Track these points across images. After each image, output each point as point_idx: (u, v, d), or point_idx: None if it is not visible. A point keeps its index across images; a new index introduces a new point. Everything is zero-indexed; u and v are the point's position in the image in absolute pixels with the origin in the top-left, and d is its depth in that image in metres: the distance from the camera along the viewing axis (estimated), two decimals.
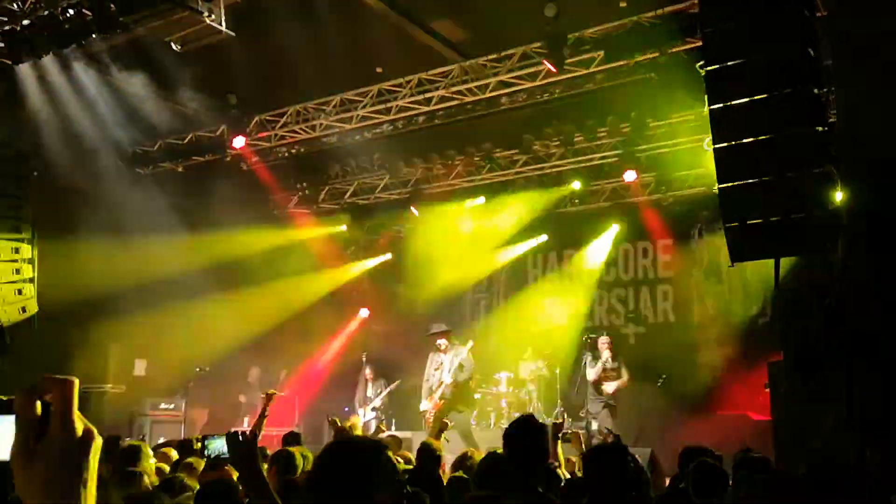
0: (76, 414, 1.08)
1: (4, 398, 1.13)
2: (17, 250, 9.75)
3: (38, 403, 1.06)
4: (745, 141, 5.82)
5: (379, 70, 11.23)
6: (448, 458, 8.06)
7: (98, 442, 1.10)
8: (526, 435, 3.73)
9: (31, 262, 9.78)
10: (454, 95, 10.83)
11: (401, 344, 14.05)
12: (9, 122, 9.98)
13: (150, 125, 11.51)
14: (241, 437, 2.69)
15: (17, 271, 9.71)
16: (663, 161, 12.27)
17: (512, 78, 10.40)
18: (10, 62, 9.29)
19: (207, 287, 12.34)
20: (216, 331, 12.56)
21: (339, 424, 6.55)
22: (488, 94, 10.67)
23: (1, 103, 10.00)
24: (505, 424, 11.60)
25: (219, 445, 3.42)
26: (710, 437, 8.92)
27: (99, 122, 10.86)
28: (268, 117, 12.12)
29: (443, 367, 9.83)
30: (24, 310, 9.70)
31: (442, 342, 9.91)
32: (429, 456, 5.20)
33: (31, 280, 9.73)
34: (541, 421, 4.13)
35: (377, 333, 14.92)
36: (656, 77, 9.71)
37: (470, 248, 15.01)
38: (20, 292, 9.58)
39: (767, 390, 7.34)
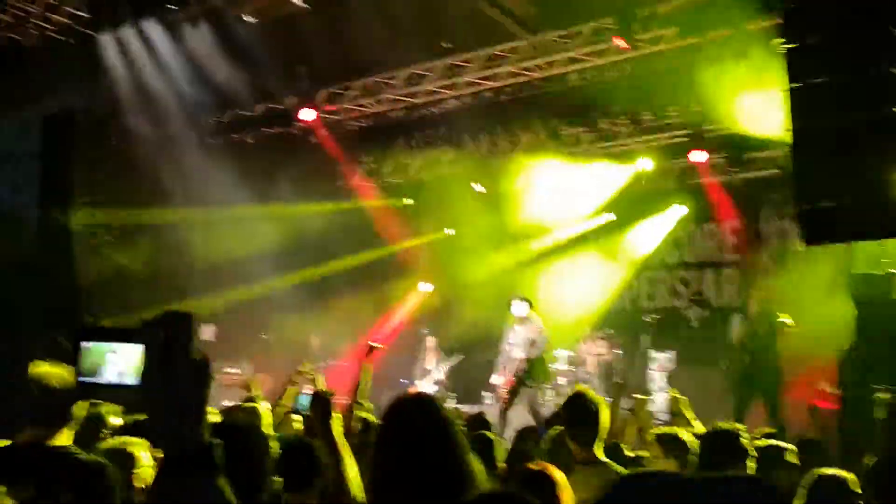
0: (194, 344, 1.18)
1: (132, 328, 1.23)
2: (93, 214, 10.11)
3: (163, 334, 1.16)
4: (821, 122, 5.69)
5: (446, 45, 11.23)
6: (509, 435, 8.15)
7: (212, 370, 1.20)
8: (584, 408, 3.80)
9: (106, 227, 10.13)
10: (522, 72, 10.79)
11: (463, 318, 14.14)
12: (90, 90, 10.29)
13: (223, 96, 11.73)
14: (324, 396, 2.85)
15: (94, 234, 10.08)
16: (733, 142, 12.03)
17: (581, 54, 10.30)
18: (91, 32, 9.57)
19: (272, 255, 12.62)
20: (280, 298, 12.85)
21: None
22: (556, 71, 10.60)
23: (83, 71, 10.31)
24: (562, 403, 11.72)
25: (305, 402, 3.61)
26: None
27: (173, 91, 11.11)
28: (336, 90, 12.25)
29: (517, 340, 9.81)
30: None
31: (517, 312, 9.85)
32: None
33: (110, 244, 10.09)
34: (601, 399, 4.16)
35: (439, 308, 15.03)
36: (730, 55, 9.50)
37: (534, 225, 14.97)
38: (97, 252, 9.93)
39: (834, 378, 7.22)
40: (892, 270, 6.66)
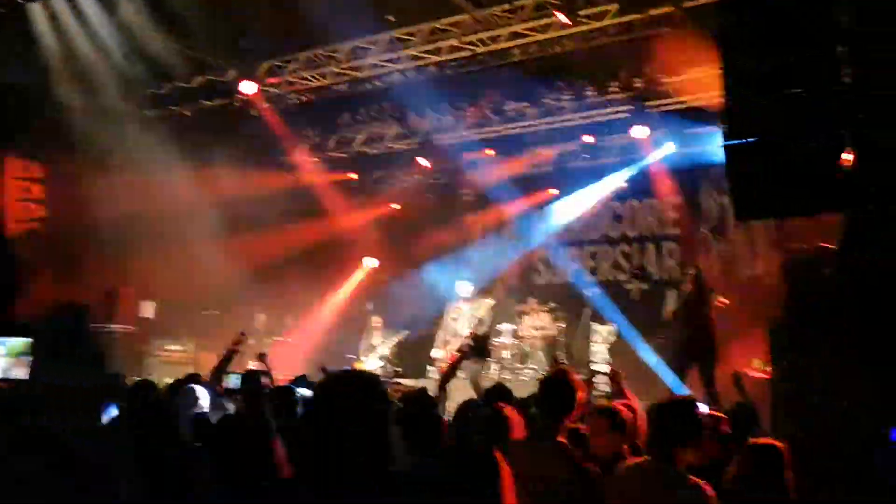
0: (88, 337, 1.15)
1: (21, 322, 1.20)
2: (27, 168, 9.84)
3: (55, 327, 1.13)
4: (755, 99, 5.78)
5: (390, 18, 11.11)
6: (451, 408, 8.21)
7: (106, 362, 1.18)
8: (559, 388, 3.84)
9: (42, 181, 9.88)
10: (466, 46, 10.74)
11: (408, 294, 14.16)
12: (21, 61, 9.97)
13: (160, 68, 11.46)
14: (256, 375, 2.83)
15: (27, 190, 9.83)
16: (674, 118, 12.21)
17: (524, 29, 10.30)
18: (21, 1, 9.24)
19: (215, 232, 12.45)
20: (223, 275, 12.69)
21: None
22: (500, 45, 10.59)
23: (13, 43, 9.97)
24: (508, 376, 11.84)
25: (235, 380, 3.57)
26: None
27: (108, 63, 10.82)
28: (278, 63, 12.05)
29: (460, 318, 9.83)
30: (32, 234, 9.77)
31: (463, 293, 9.88)
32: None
33: (42, 202, 9.85)
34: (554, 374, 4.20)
35: (384, 283, 15.03)
36: (670, 32, 9.60)
37: (478, 200, 15.04)
38: (29, 212, 9.69)
39: (767, 348, 7.40)
40: (823, 245, 6.83)
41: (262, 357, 7.38)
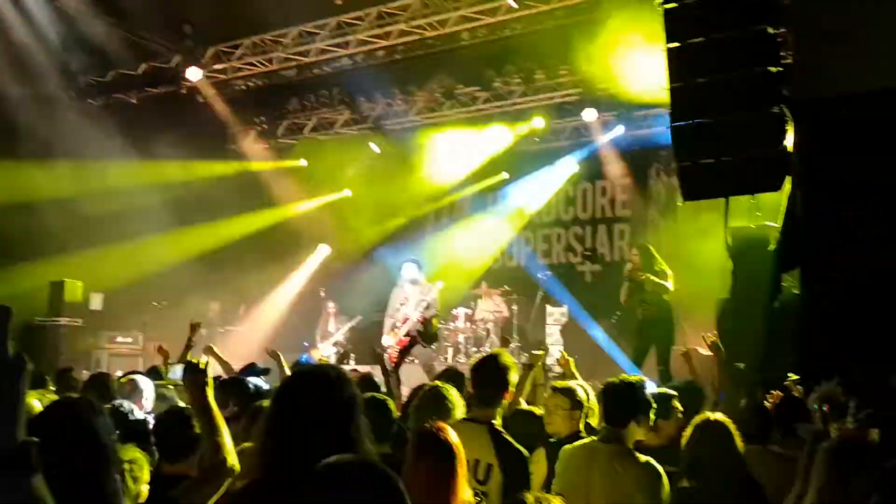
0: (6, 340, 1.11)
1: None
2: None
3: None
4: (698, 80, 5.87)
5: (338, 2, 11.00)
6: (405, 392, 8.22)
7: (26, 367, 1.14)
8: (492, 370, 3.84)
9: None
10: (414, 30, 10.70)
11: (361, 279, 14.12)
12: None
13: (102, 55, 11.20)
14: (196, 366, 2.77)
15: None
16: (623, 100, 12.32)
17: (472, 13, 10.28)
18: None
19: (163, 220, 12.25)
20: (174, 265, 12.52)
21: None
22: (449, 29, 10.56)
23: None
24: (462, 360, 11.89)
25: (179, 372, 3.51)
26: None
27: (47, 51, 10.55)
28: (223, 49, 11.87)
29: (408, 302, 9.77)
30: None
31: (410, 276, 9.82)
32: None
33: None
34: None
35: (337, 269, 14.95)
36: (617, 14, 9.67)
37: (430, 185, 15.01)
38: None
39: (715, 327, 7.55)
40: (767, 223, 6.98)
41: (208, 350, 7.30)
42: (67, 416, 2.15)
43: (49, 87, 11.03)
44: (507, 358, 3.92)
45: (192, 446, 2.92)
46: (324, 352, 12.78)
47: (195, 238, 13.03)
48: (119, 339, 12.21)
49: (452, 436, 3.02)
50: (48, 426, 2.05)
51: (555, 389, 4.55)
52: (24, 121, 10.69)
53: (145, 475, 2.85)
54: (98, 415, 2.21)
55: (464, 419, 3.67)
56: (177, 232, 12.72)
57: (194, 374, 2.76)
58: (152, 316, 12.88)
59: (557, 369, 11.24)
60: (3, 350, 1.12)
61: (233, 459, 2.64)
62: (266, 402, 3.82)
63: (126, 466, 2.68)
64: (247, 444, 2.85)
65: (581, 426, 4.36)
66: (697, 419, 3.77)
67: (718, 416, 3.74)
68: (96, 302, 12.31)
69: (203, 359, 2.87)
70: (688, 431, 3.69)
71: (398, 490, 1.59)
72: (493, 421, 3.72)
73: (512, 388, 3.84)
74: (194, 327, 6.74)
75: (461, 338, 12.71)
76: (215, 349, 7.13)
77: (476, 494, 3.14)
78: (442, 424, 3.11)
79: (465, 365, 10.02)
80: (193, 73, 11.61)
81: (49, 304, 11.59)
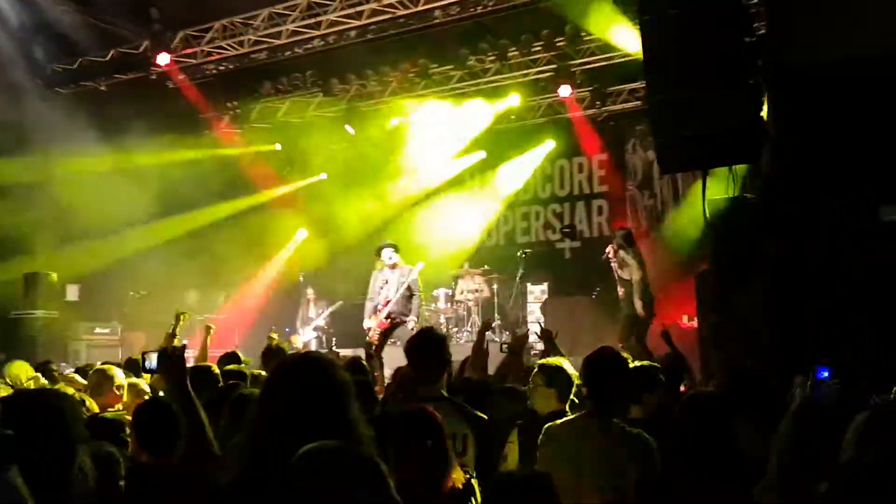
0: None
1: None
2: None
3: None
4: (673, 53, 5.85)
5: None
6: (388, 374, 8.21)
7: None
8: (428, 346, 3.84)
9: None
10: (386, 9, 10.57)
11: (340, 264, 14.05)
12: None
13: (68, 42, 10.99)
14: (171, 353, 2.72)
15: None
16: (598, 76, 12.30)
17: None
18: None
19: (138, 208, 12.11)
20: (150, 254, 12.39)
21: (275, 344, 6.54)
22: (421, 7, 10.44)
23: None
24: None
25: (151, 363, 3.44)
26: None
27: (11, 39, 10.34)
28: (193, 32, 11.66)
29: (388, 285, 9.71)
30: None
31: (388, 260, 9.76)
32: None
33: None
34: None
35: (316, 254, 14.86)
36: None
37: (407, 166, 14.94)
38: None
39: (695, 299, 7.59)
40: (745, 195, 6.99)
41: (208, 330, 7.23)
42: (36, 407, 2.10)
43: (15, 76, 10.81)
44: (439, 332, 3.94)
45: (174, 437, 2.87)
46: (305, 337, 12.74)
47: (171, 226, 12.89)
48: (97, 329, 12.08)
49: (438, 416, 3.00)
50: (17, 417, 1.99)
51: (536, 368, 4.53)
52: None
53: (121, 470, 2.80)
54: (68, 407, 2.16)
55: (422, 398, 3.65)
56: (152, 220, 12.58)
57: (171, 362, 2.71)
58: (130, 306, 12.76)
59: (539, 346, 11.34)
60: None
61: (215, 447, 2.60)
62: (248, 390, 3.79)
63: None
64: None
65: (566, 404, 4.34)
66: (690, 392, 3.72)
67: (709, 390, 3.71)
68: (72, 293, 12.17)
69: (179, 344, 2.83)
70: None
71: (380, 475, 1.56)
72: (444, 394, 3.74)
73: (449, 361, 3.88)
74: (179, 317, 6.66)
75: (442, 318, 12.71)
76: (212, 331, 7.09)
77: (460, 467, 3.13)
78: (426, 406, 3.10)
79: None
80: (163, 59, 11.42)
81: (24, 296, 11.43)
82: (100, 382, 4.49)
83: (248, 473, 1.92)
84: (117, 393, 4.56)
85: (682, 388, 5.03)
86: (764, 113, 5.90)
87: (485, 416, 3.66)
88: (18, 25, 10.19)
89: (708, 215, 6.33)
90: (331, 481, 1.51)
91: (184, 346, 2.79)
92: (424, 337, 3.91)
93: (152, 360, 2.90)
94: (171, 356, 2.69)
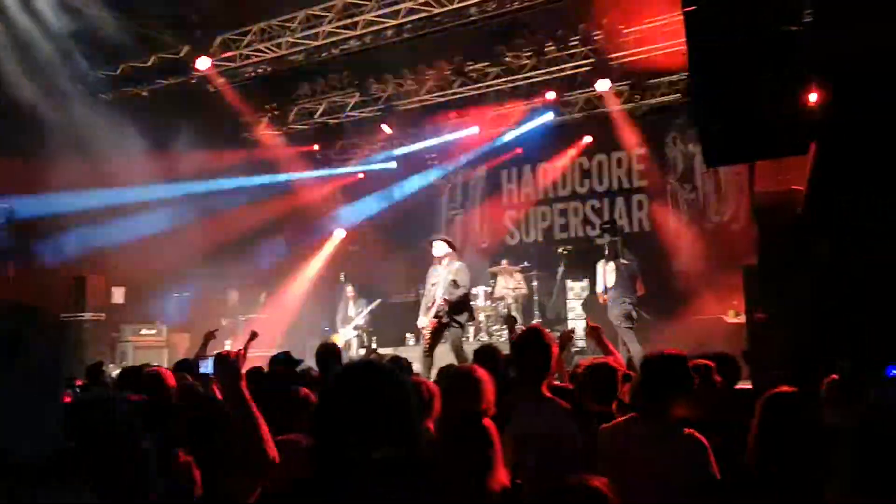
0: (42, 344, 1.07)
1: None
2: None
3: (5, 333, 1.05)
4: (718, 43, 5.74)
5: None
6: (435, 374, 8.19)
7: (63, 368, 1.10)
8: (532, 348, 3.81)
9: None
10: (422, 7, 10.55)
11: (378, 262, 14.10)
12: None
13: (110, 49, 11.15)
14: (228, 357, 2.72)
15: None
16: (636, 69, 12.16)
17: None
18: None
19: (181, 211, 12.28)
20: (192, 255, 12.54)
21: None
22: (457, 5, 10.41)
23: None
24: (484, 338, 11.85)
25: (207, 367, 3.45)
26: (685, 342, 9.13)
27: (57, 47, 10.52)
28: (231, 37, 11.77)
29: (439, 283, 9.67)
30: None
31: (436, 252, 9.69)
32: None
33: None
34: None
35: (355, 253, 14.94)
36: None
37: (444, 164, 14.96)
38: None
39: (741, 294, 7.46)
40: (794, 187, 6.86)
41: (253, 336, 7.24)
42: (101, 413, 2.10)
43: (59, 83, 10.99)
44: (548, 334, 3.89)
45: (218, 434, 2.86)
46: (345, 336, 12.79)
47: (212, 228, 13.04)
48: (143, 331, 12.27)
49: (487, 420, 2.99)
50: (83, 424, 2.00)
51: (588, 367, 4.47)
52: (37, 117, 10.66)
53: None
54: (133, 411, 2.17)
55: (519, 398, 3.63)
56: (193, 222, 12.73)
57: (227, 366, 2.72)
58: (173, 307, 12.94)
59: (581, 343, 11.26)
60: (42, 351, 1.07)
61: (274, 452, 2.60)
62: (303, 391, 3.80)
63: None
64: (288, 437, 2.82)
65: (613, 405, 4.28)
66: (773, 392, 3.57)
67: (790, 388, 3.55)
68: (118, 295, 12.36)
69: (233, 349, 2.83)
70: None
71: (441, 484, 1.54)
72: (549, 396, 3.71)
73: (553, 365, 3.82)
74: (207, 338, 6.55)
75: (482, 316, 12.67)
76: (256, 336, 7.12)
77: None
78: (476, 409, 3.08)
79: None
80: (202, 63, 11.54)
81: (72, 300, 11.64)
82: (155, 383, 4.54)
83: (312, 477, 1.91)
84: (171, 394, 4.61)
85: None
86: (813, 103, 5.76)
87: (593, 419, 3.63)
88: (62, 32, 10.34)
89: (755, 209, 6.21)
90: (397, 488, 1.50)
91: (240, 352, 2.79)
92: (531, 337, 3.87)
93: (207, 365, 2.91)
94: (227, 361, 2.69)
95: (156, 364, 5.84)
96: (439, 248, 9.65)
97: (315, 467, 1.90)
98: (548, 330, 4.13)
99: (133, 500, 1.67)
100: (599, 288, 10.36)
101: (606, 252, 10.35)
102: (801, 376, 3.85)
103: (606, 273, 10.22)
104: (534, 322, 11.82)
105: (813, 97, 5.77)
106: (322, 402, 2.11)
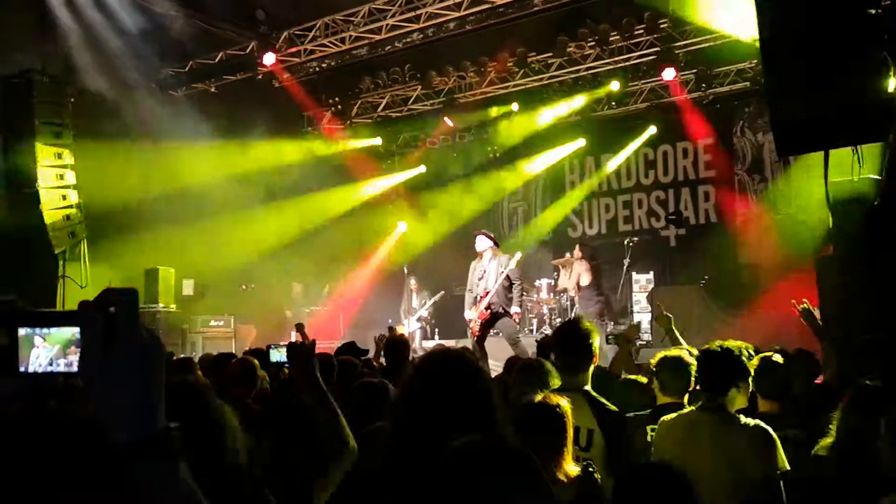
0: (140, 323, 1.09)
1: (67, 311, 1.15)
2: (59, 156, 9.95)
3: (103, 315, 1.08)
4: (792, 29, 5.58)
5: None
6: (493, 364, 8.18)
7: (164, 349, 1.12)
8: (574, 338, 3.77)
9: (73, 168, 10.01)
10: None
11: (442, 255, 14.14)
12: (43, 49, 9.99)
13: (181, 46, 11.42)
14: (301, 347, 2.77)
15: (61, 177, 9.94)
16: (703, 57, 11.92)
17: None
18: None
19: (247, 205, 12.52)
20: (258, 248, 12.76)
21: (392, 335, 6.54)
22: None
23: (34, 30, 9.98)
24: (548, 331, 11.78)
25: (279, 355, 3.49)
26: (754, 337, 8.93)
27: (130, 45, 10.81)
28: (297, 32, 11.93)
29: (486, 276, 9.66)
30: (72, 234, 9.94)
31: (486, 250, 9.72)
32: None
33: (75, 187, 9.98)
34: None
35: (417, 245, 15.01)
36: None
37: (505, 156, 14.90)
38: (64, 198, 9.84)
39: (816, 287, 7.25)
40: (871, 176, 6.64)
41: (299, 328, 7.40)
42: (188, 399, 2.14)
43: (132, 79, 11.29)
44: (588, 323, 3.85)
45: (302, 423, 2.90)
46: (409, 328, 12.87)
47: (277, 221, 13.25)
48: (213, 322, 12.53)
49: (565, 405, 2.97)
50: (183, 406, 2.03)
51: (662, 360, 4.40)
52: (110, 113, 10.97)
53: None
54: (216, 398, 2.21)
55: (555, 389, 3.60)
56: (259, 216, 12.96)
57: (301, 356, 2.75)
58: (240, 299, 13.19)
59: (646, 337, 11.11)
60: (139, 333, 1.10)
61: (353, 442, 2.63)
62: (371, 380, 3.84)
63: None
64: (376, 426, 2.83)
65: (684, 396, 4.20)
66: (856, 384, 3.45)
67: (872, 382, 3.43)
68: (188, 287, 12.64)
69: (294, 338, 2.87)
70: None
71: (538, 472, 1.53)
72: (585, 387, 3.66)
73: (596, 353, 3.77)
74: (300, 329, 6.82)
75: (545, 309, 12.62)
76: (304, 330, 7.24)
77: (580, 461, 3.08)
78: (552, 396, 3.06)
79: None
80: (268, 59, 11.73)
81: (144, 291, 11.95)
82: (244, 372, 4.67)
83: (395, 466, 1.92)
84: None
85: None
86: (891, 88, 5.56)
87: (620, 413, 3.59)
88: (133, 30, 10.62)
89: (831, 199, 6.03)
90: (490, 475, 1.49)
91: (314, 342, 2.83)
92: (571, 329, 3.85)
93: (281, 353, 2.95)
94: (300, 350, 2.73)
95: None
96: (481, 242, 9.67)
97: (397, 454, 1.91)
98: (592, 321, 4.08)
99: (224, 479, 1.71)
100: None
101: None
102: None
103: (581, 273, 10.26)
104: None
105: (891, 82, 5.56)
106: (403, 390, 2.12)
